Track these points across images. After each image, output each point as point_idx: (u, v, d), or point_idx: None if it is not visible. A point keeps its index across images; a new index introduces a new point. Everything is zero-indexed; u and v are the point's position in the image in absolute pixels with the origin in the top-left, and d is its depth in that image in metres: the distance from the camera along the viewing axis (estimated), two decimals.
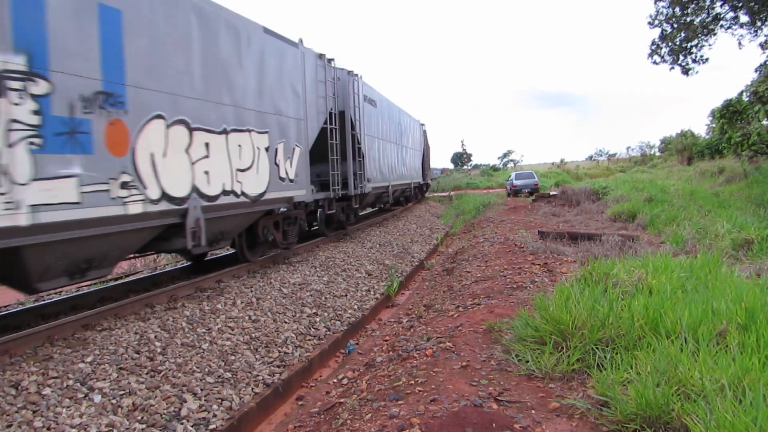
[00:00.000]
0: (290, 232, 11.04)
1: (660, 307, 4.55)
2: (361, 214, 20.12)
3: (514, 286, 7.15)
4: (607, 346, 4.18)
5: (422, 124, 31.20)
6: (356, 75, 14.79)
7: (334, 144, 12.74)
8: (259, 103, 9.36)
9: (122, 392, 4.89)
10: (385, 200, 20.04)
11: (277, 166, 9.83)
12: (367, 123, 16.00)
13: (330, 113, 12.60)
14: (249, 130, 8.97)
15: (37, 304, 7.74)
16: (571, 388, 3.83)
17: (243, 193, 8.73)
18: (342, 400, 4.78)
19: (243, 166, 8.78)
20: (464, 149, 78.39)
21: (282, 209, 10.46)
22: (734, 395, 3.03)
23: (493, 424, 3.28)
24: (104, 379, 5.01)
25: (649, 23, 23.74)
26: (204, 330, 6.62)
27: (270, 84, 9.73)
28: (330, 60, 12.92)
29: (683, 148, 47.14)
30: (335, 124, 12.85)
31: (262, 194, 9.34)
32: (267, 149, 9.51)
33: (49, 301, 7.93)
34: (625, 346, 4.12)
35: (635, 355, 3.87)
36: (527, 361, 4.26)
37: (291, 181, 10.35)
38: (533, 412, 3.50)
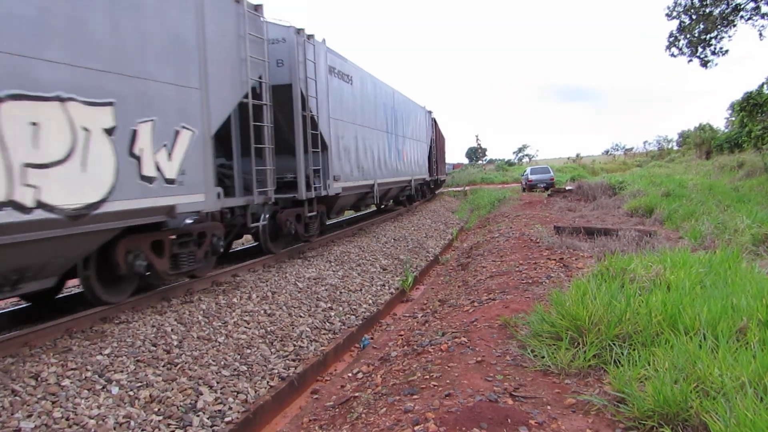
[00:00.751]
0: (185, 255, 7.67)
1: (678, 303, 4.49)
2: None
3: (530, 282, 7.11)
4: (624, 342, 4.15)
5: (429, 112, 27.54)
6: (312, 36, 11.25)
7: (263, 128, 9.40)
8: (88, 53, 5.71)
9: (139, 384, 4.95)
10: (369, 202, 16.48)
11: (137, 158, 6.33)
12: (333, 103, 12.44)
13: (261, 84, 9.36)
14: (60, 99, 5.41)
15: (55, 297, 7.82)
16: (587, 384, 3.80)
17: (43, 205, 5.23)
18: (357, 394, 4.79)
19: (44, 159, 5.27)
20: (479, 144, 78.12)
21: (187, 221, 7.65)
22: (755, 393, 2.99)
23: (509, 420, 3.27)
24: (122, 371, 5.07)
25: (667, 15, 23.41)
26: (220, 323, 6.67)
27: (118, 24, 6.12)
28: (257, 6, 9.32)
29: (701, 142, 46.58)
30: (268, 100, 9.54)
31: (97, 204, 5.79)
32: (110, 131, 5.96)
33: (67, 294, 8.03)
34: (643, 342, 4.08)
35: (653, 351, 3.83)
36: (543, 357, 4.23)
37: (169, 181, 6.89)
38: (549, 407, 3.48)
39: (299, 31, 10.77)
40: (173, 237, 7.49)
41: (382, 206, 21.38)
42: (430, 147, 26.83)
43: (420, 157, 23.73)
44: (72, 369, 4.94)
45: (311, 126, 11.10)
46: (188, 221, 7.69)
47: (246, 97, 8.91)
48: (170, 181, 6.95)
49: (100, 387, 4.76)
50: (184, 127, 7.23)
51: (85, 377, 4.85)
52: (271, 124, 9.64)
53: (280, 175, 10.67)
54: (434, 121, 28.97)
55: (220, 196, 8.21)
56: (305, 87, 10.86)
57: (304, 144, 10.93)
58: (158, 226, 7.16)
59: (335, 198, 12.67)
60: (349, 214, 19.63)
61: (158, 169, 6.73)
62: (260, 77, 9.34)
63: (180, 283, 7.83)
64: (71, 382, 4.72)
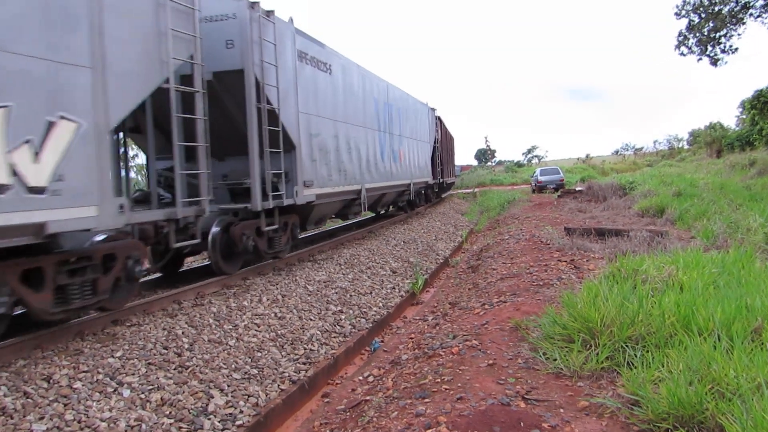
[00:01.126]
0: (77, 287, 5.81)
1: (692, 304, 4.45)
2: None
3: (541, 284, 7.07)
4: (637, 343, 4.11)
5: (433, 109, 25.14)
6: (272, 13, 9.33)
7: (196, 121, 7.54)
8: None
9: (151, 387, 4.96)
10: (356, 210, 14.04)
11: None
12: (305, 95, 10.46)
13: (193, 66, 7.51)
14: None
15: None
16: (600, 387, 3.77)
17: None
18: (368, 398, 4.77)
19: None
20: (488, 145, 78.09)
21: (97, 238, 6.06)
22: None
23: (521, 423, 3.24)
24: (133, 374, 5.08)
25: (676, 14, 23.30)
26: (230, 326, 6.67)
27: None
28: None
29: (712, 141, 46.35)
30: (202, 87, 7.62)
31: None
32: None
33: None
34: (656, 343, 4.04)
35: (666, 353, 3.79)
36: (555, 360, 4.20)
37: (35, 190, 5.13)
38: (562, 410, 3.45)
39: (253, 5, 8.82)
40: (70, 260, 5.76)
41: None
42: (434, 147, 24.92)
43: (421, 158, 21.66)
44: (84, 371, 4.95)
45: (270, 121, 9.08)
46: (99, 238, 6.01)
47: (167, 82, 7.05)
48: (37, 190, 5.18)
49: (112, 389, 4.78)
50: (63, 118, 5.45)
51: (97, 380, 4.87)
52: (204, 117, 7.74)
53: (237, 180, 9.23)
54: (439, 119, 26.93)
55: (124, 209, 6.25)
56: (261, 73, 8.89)
57: (259, 143, 8.93)
58: (42, 249, 5.47)
59: (309, 207, 10.79)
60: (334, 224, 17.71)
61: (15, 173, 4.95)
62: (191, 57, 7.52)
63: (191, 286, 7.80)
64: (83, 385, 4.73)
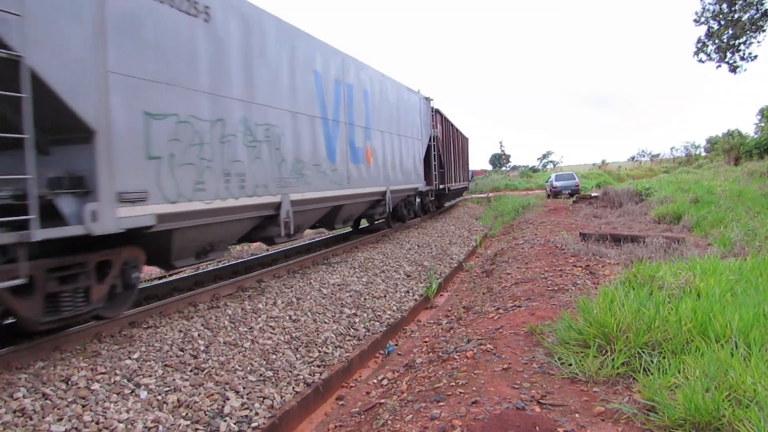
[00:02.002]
0: None
1: (709, 311, 4.42)
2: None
3: (556, 289, 7.04)
4: (653, 349, 4.09)
5: (427, 99, 19.97)
6: None
7: None
8: None
9: (167, 389, 5.01)
10: (272, 233, 9.20)
11: None
12: (136, 45, 6.00)
13: None
14: None
15: None
16: (616, 393, 3.75)
17: None
18: (382, 401, 4.78)
19: None
20: (503, 150, 77.85)
21: None
22: None
23: (536, 428, 3.24)
24: (150, 376, 5.14)
25: (695, 20, 23.11)
26: (246, 329, 6.72)
27: None
28: None
29: (730, 148, 45.88)
30: None
31: None
32: None
33: None
34: (673, 350, 4.02)
35: (683, 359, 3.77)
36: (570, 365, 4.19)
37: None
38: (577, 416, 3.44)
39: None
40: None
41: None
42: (430, 146, 19.85)
43: (407, 158, 16.67)
44: (101, 373, 5.01)
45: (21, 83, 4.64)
46: None
47: None
48: None
49: (129, 391, 4.83)
50: None
51: (115, 381, 4.93)
52: None
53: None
54: (437, 112, 21.56)
55: None
56: None
57: None
58: None
59: (163, 234, 6.62)
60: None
61: None
62: None
63: (206, 289, 7.88)
64: (101, 386, 4.79)
